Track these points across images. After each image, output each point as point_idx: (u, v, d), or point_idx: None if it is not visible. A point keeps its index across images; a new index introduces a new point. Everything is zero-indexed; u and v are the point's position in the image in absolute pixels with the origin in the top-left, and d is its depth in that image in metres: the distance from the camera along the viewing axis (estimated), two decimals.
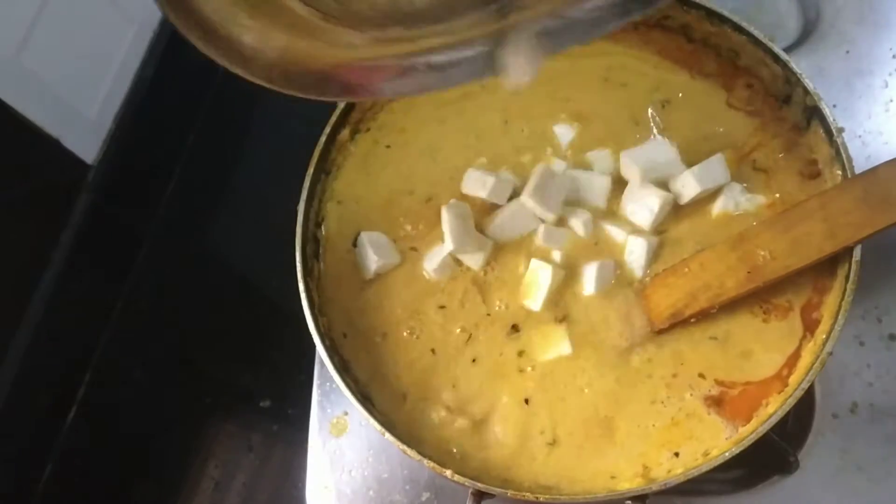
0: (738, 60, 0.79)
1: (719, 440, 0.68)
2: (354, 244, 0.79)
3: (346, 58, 0.57)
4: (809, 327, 0.70)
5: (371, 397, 0.73)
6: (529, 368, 0.73)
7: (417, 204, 0.80)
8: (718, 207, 0.74)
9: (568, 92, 0.82)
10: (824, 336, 0.67)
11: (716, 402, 0.69)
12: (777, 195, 0.75)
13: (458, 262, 0.77)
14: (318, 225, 0.80)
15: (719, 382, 0.70)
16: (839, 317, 0.66)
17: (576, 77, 0.83)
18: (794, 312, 0.71)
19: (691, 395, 0.70)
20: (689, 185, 0.74)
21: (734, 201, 0.74)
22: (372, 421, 0.68)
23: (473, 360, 0.74)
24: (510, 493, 0.65)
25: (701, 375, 0.70)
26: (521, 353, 0.73)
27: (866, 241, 0.67)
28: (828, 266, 0.70)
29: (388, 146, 0.83)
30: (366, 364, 0.75)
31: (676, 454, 0.68)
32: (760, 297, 0.71)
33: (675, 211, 0.75)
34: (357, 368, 0.75)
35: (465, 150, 0.82)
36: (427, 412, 0.72)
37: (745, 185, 0.75)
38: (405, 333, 0.76)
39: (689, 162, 0.75)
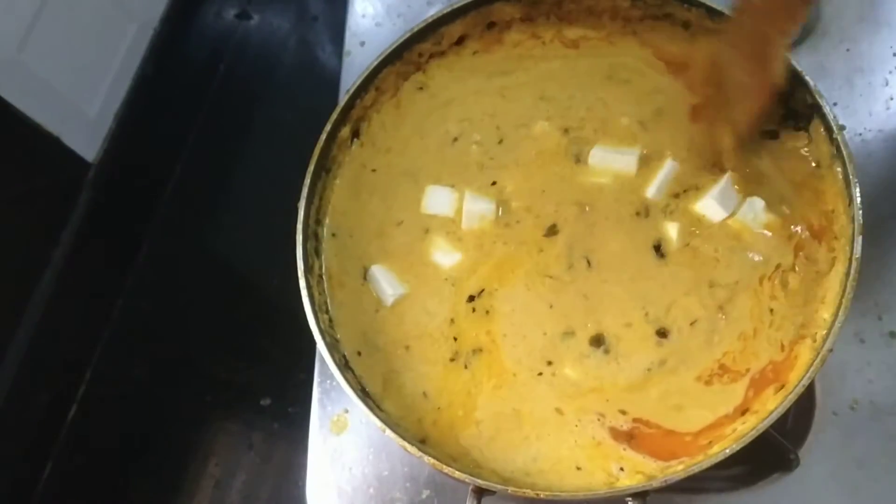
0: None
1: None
2: (364, 277, 0.79)
3: None
4: (759, 390, 0.69)
5: (385, 408, 0.73)
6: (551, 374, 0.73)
7: (405, 236, 0.80)
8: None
9: (559, 91, 0.83)
10: (825, 333, 0.67)
11: (627, 437, 0.70)
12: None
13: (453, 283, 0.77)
14: (319, 222, 0.80)
15: (637, 420, 0.70)
16: (839, 314, 0.66)
17: (571, 77, 0.83)
18: (745, 379, 0.70)
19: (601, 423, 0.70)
20: (714, 212, 0.75)
21: (752, 213, 0.74)
22: (373, 418, 0.68)
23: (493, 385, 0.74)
24: (511, 489, 0.65)
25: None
26: (549, 363, 0.74)
27: (866, 240, 0.67)
28: (828, 262, 0.70)
29: (374, 170, 0.83)
30: (381, 377, 0.75)
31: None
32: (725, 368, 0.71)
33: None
34: (371, 383, 0.74)
35: (438, 166, 0.82)
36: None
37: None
38: (429, 344, 0.76)
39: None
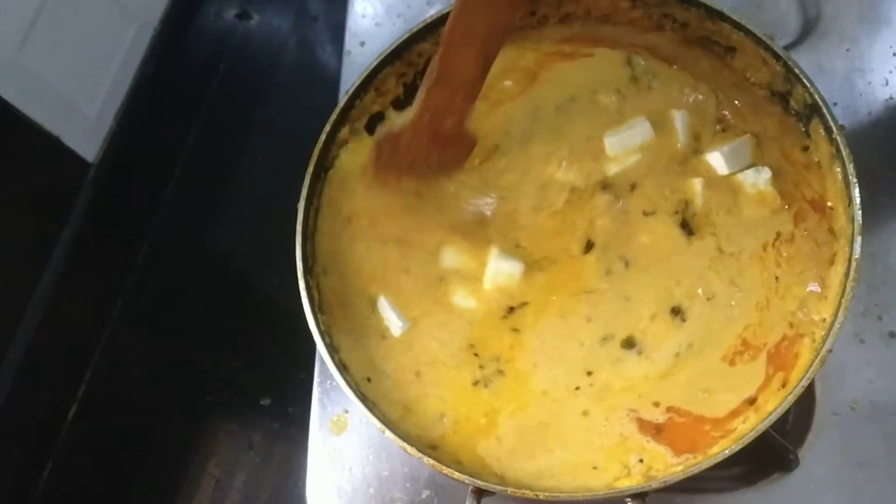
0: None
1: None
2: (371, 307, 0.78)
3: None
4: (778, 367, 0.70)
5: (404, 429, 0.72)
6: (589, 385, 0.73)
7: (415, 282, 0.78)
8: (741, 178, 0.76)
9: None
10: (824, 333, 0.67)
11: (655, 429, 0.70)
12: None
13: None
14: (318, 224, 0.80)
15: (671, 409, 0.70)
16: (839, 314, 0.66)
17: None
18: (762, 355, 0.71)
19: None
20: (719, 166, 0.76)
21: (755, 178, 0.75)
22: (372, 418, 0.68)
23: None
24: (510, 490, 0.66)
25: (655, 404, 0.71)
26: (590, 373, 0.73)
27: (866, 240, 0.67)
28: (828, 263, 0.70)
29: (349, 220, 0.81)
30: (398, 405, 0.74)
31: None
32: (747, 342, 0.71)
33: None
34: (387, 409, 0.73)
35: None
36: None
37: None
38: (444, 370, 0.75)
39: None
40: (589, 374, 0.73)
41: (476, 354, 0.75)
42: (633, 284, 0.75)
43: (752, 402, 0.69)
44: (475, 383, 0.74)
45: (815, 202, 0.73)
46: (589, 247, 0.77)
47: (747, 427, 0.67)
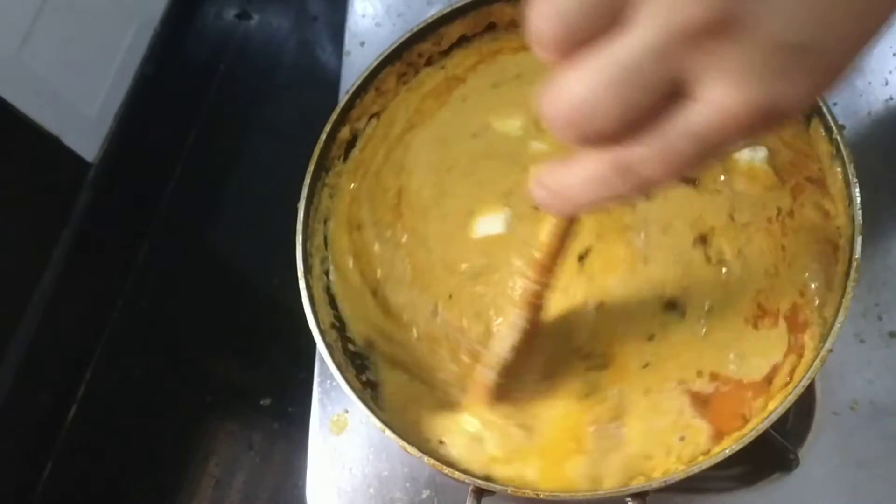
0: None
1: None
2: None
3: None
4: (796, 335, 0.69)
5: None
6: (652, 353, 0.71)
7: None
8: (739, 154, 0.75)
9: None
10: (824, 333, 0.67)
11: (703, 403, 0.68)
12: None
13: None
14: (319, 223, 0.80)
15: (713, 377, 0.69)
16: (839, 314, 0.66)
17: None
18: (781, 321, 0.70)
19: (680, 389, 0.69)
20: None
21: (751, 156, 0.75)
22: (373, 418, 0.68)
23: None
24: (511, 489, 0.65)
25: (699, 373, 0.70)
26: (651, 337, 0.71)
27: (866, 240, 0.67)
28: (828, 263, 0.70)
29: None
30: (482, 457, 0.69)
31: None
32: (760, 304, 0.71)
33: None
34: (465, 466, 0.69)
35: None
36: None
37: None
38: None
39: None
40: (650, 338, 0.70)
41: (587, 356, 0.70)
42: (663, 212, 0.73)
43: (769, 380, 0.68)
44: (585, 396, 0.70)
45: (813, 179, 0.73)
46: None
47: (748, 427, 0.66)
